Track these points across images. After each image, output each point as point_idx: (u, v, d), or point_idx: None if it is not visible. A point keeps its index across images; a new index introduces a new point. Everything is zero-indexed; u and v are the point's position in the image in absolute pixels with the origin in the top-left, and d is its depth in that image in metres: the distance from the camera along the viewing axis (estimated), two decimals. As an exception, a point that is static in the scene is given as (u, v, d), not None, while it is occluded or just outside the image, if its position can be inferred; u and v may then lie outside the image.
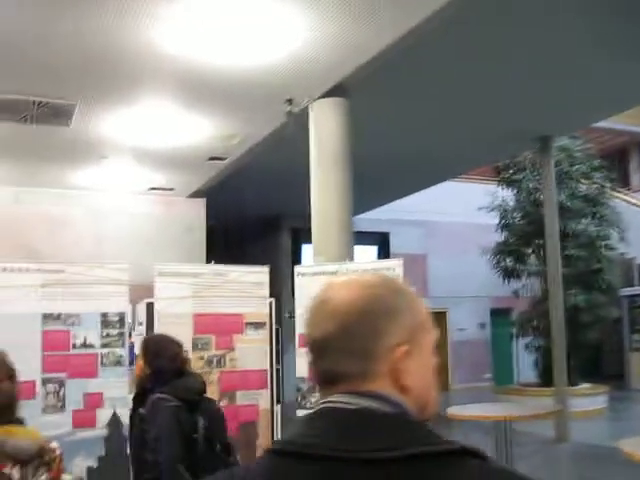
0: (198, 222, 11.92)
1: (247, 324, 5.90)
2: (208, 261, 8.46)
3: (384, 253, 15.89)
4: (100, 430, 5.32)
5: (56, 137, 8.14)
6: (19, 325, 5.10)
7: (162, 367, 3.89)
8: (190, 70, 6.29)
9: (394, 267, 5.82)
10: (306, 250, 14.09)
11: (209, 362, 5.75)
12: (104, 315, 5.41)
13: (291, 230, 15.80)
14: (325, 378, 1.16)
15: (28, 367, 5.04)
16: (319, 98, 6.98)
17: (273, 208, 14.50)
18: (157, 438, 3.64)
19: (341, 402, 1.11)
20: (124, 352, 5.52)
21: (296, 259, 14.28)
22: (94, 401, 5.33)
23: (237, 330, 5.85)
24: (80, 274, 5.35)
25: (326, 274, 5.97)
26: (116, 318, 5.44)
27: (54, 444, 2.23)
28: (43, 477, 2.09)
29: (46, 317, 5.24)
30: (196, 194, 11.70)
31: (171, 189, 11.26)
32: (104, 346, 5.40)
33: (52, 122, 7.45)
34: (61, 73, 6.31)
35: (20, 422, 2.24)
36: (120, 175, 10.18)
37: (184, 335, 5.58)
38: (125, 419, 4.51)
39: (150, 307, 5.80)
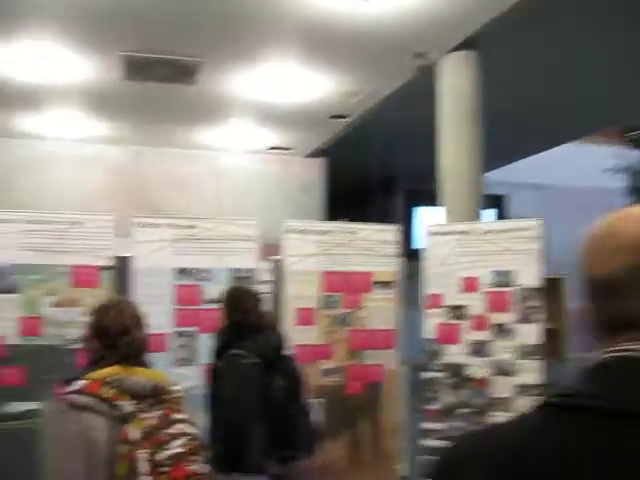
0: (316, 182, 11.87)
1: (375, 283, 5.77)
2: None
3: (501, 217, 15.41)
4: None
5: (180, 96, 8.20)
6: (153, 279, 5.16)
7: (239, 320, 3.83)
8: (316, 22, 6.15)
9: (531, 227, 5.56)
10: (421, 212, 13.87)
11: (337, 320, 5.67)
12: (234, 271, 5.40)
13: (406, 192, 15.53)
14: (611, 323, 0.98)
15: (161, 320, 5.13)
16: (450, 52, 6.71)
17: (388, 169, 14.25)
18: (232, 396, 3.57)
19: (634, 350, 0.94)
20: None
21: (409, 221, 14.04)
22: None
23: (365, 289, 5.73)
24: (210, 230, 5.36)
25: (455, 233, 5.78)
26: (245, 274, 5.43)
27: (175, 386, 2.42)
28: (157, 412, 2.27)
29: (178, 272, 5.28)
30: (315, 154, 11.63)
31: (290, 149, 11.23)
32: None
33: (177, 81, 7.50)
34: (188, 30, 6.31)
35: (145, 366, 2.44)
36: (241, 135, 10.21)
37: (311, 293, 5.55)
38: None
39: (277, 264, 5.75)
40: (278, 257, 5.66)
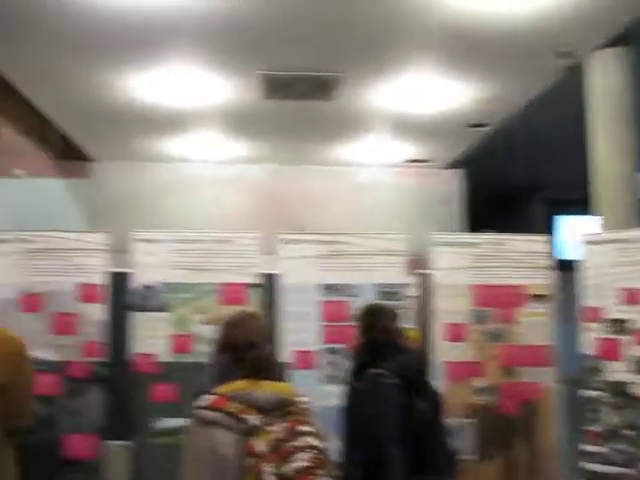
0: (455, 194, 11.57)
1: (529, 296, 5.48)
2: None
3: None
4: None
5: (318, 112, 8.23)
6: (299, 296, 5.13)
7: (375, 339, 3.68)
8: (454, 29, 5.99)
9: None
10: (567, 221, 13.27)
11: (489, 336, 5.42)
12: (381, 286, 5.28)
13: (549, 200, 14.96)
14: None
15: (308, 337, 5.09)
16: (598, 49, 6.34)
17: (531, 177, 13.77)
18: (372, 417, 3.43)
19: None
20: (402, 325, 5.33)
21: (549, 231, 13.46)
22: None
23: (519, 302, 5.45)
24: (357, 245, 5.27)
25: (614, 242, 5.41)
26: (393, 289, 5.29)
27: (302, 398, 2.41)
28: (282, 426, 2.27)
29: (325, 288, 5.22)
30: (453, 165, 11.38)
31: (427, 161, 11.04)
32: (381, 318, 5.27)
33: (316, 97, 7.51)
34: (326, 46, 6.30)
35: (273, 379, 2.44)
36: (378, 148, 10.14)
37: (461, 307, 5.34)
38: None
39: (424, 278, 5.58)
40: (425, 271, 5.49)
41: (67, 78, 7.40)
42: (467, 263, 5.42)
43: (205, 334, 4.92)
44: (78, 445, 4.84)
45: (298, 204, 11.01)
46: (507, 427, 5.37)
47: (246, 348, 2.46)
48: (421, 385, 3.64)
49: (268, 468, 2.19)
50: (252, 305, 4.99)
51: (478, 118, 8.75)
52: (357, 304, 5.13)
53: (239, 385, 2.37)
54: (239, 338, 2.49)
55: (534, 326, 5.44)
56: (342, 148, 10.22)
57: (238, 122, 8.74)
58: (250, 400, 2.32)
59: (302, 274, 5.16)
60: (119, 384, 4.92)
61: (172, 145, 10.15)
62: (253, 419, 2.27)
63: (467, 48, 6.50)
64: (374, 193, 11.35)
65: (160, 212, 10.62)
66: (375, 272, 5.28)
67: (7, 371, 2.73)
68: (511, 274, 5.47)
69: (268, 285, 5.12)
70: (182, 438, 4.42)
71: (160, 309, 4.99)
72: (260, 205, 11.05)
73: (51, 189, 11.21)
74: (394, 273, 5.30)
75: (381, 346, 3.66)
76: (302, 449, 2.25)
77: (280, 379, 2.53)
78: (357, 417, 3.61)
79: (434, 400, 3.69)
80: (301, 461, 2.22)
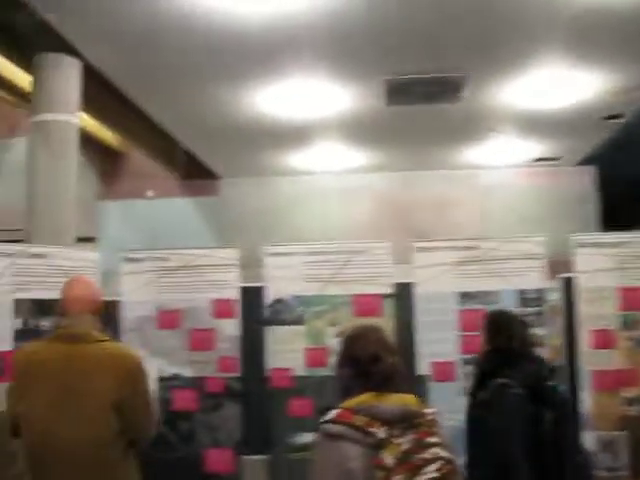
0: (588, 191, 11.05)
1: (685, 299, 5.05)
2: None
3: None
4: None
5: (443, 115, 8.02)
6: (435, 305, 4.94)
7: (500, 347, 3.50)
8: (583, 15, 5.60)
9: None
10: None
11: (638, 342, 5.03)
12: (521, 292, 5.01)
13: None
14: None
15: (446, 347, 4.89)
16: None
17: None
18: (498, 429, 3.27)
19: None
20: (543, 332, 5.05)
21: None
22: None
23: (671, 305, 5.04)
24: (494, 250, 5.03)
25: None
26: (533, 295, 5.02)
27: (429, 410, 2.38)
28: (409, 437, 2.24)
29: (461, 296, 5.01)
30: (583, 162, 10.85)
31: (557, 158, 10.56)
32: (527, 326, 5.00)
33: (440, 99, 7.30)
34: (450, 45, 6.09)
35: (398, 391, 2.39)
36: (505, 149, 9.80)
37: (607, 311, 4.99)
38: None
39: (566, 282, 5.26)
40: (568, 274, 5.17)
41: (192, 97, 7.54)
42: (612, 264, 5.06)
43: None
44: (216, 460, 4.86)
45: (423, 211, 10.86)
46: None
47: (368, 361, 2.43)
48: (548, 395, 3.41)
49: None
50: (386, 316, 4.86)
51: (611, 110, 8.23)
52: (496, 312, 4.94)
53: (364, 398, 2.36)
54: (360, 351, 2.46)
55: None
56: (467, 151, 9.95)
57: (360, 131, 8.65)
58: (376, 413, 2.30)
59: (437, 282, 4.97)
60: (254, 399, 4.90)
61: (296, 158, 10.21)
62: (380, 432, 2.25)
63: (596, 37, 6.11)
64: (502, 196, 11.04)
65: (287, 225, 10.74)
66: (514, 277, 5.02)
67: (123, 387, 2.83)
68: (663, 275, 5.07)
69: (402, 295, 4.96)
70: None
71: (294, 322, 4.94)
72: (385, 213, 11.01)
73: (180, 208, 11.55)
74: (534, 278, 5.03)
75: (506, 354, 3.49)
76: (431, 461, 2.22)
77: (406, 391, 2.47)
78: (480, 429, 3.46)
79: (563, 411, 3.45)
80: (431, 473, 2.19)
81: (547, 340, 4.92)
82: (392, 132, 8.78)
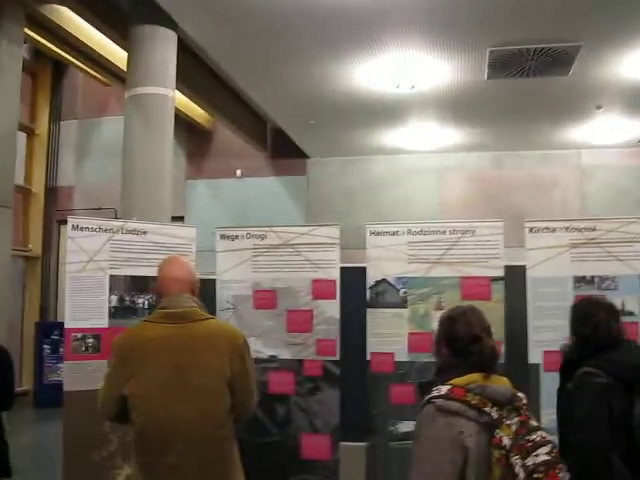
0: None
1: None
2: None
3: None
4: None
5: (548, 90, 7.58)
6: (548, 289, 4.62)
7: (586, 335, 3.22)
8: None
9: None
10: None
11: None
12: (643, 277, 4.62)
13: None
14: None
15: (559, 336, 4.52)
16: None
17: None
18: (581, 420, 3.03)
19: None
20: (667, 320, 4.66)
21: None
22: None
23: None
24: (613, 231, 4.66)
25: None
26: (658, 280, 4.63)
27: (521, 394, 2.41)
28: (515, 419, 2.29)
29: (577, 280, 4.66)
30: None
31: (664, 138, 9.95)
32: (646, 313, 4.62)
33: (549, 72, 6.87)
34: (569, 11, 5.63)
35: (497, 374, 2.44)
36: (609, 128, 9.28)
37: None
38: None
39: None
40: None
41: (285, 71, 7.36)
42: None
43: (445, 332, 4.60)
44: (313, 445, 4.70)
45: (519, 191, 10.48)
46: None
47: (468, 342, 2.46)
48: None
49: (516, 461, 2.20)
50: (495, 300, 4.57)
51: None
52: (616, 298, 4.58)
53: (473, 378, 2.38)
54: (461, 333, 2.49)
55: None
56: (568, 130, 9.47)
57: (457, 107, 8.30)
58: (489, 393, 2.33)
59: (550, 266, 4.64)
60: (354, 384, 4.70)
61: (389, 137, 9.99)
62: (493, 412, 2.29)
63: None
64: (601, 176, 10.52)
65: (378, 205, 10.50)
66: (634, 261, 4.64)
67: (234, 364, 2.84)
68: None
69: (513, 278, 4.65)
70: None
71: (397, 305, 4.70)
72: (479, 194, 10.67)
73: (269, 187, 11.46)
74: (658, 262, 4.63)
75: (592, 343, 3.22)
76: (540, 444, 2.24)
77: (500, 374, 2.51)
78: (566, 421, 3.25)
79: None
80: (543, 455, 2.21)
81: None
82: (490, 108, 8.38)
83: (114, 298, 4.66)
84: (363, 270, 4.77)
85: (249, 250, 4.96)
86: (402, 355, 4.63)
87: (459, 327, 2.49)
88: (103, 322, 4.56)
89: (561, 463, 2.25)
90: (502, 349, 4.41)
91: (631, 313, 4.64)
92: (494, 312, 4.50)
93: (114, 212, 9.55)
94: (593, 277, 4.66)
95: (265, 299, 4.87)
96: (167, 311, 2.89)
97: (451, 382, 2.37)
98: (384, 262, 4.76)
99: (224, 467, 2.86)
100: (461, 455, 2.25)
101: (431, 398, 2.37)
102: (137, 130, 6.37)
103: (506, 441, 2.23)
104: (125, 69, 6.73)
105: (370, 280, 4.75)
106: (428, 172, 10.96)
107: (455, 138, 9.96)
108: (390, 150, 10.63)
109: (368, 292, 4.73)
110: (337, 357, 4.68)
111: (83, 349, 4.50)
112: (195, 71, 8.05)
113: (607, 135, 9.70)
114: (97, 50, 7.68)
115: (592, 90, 7.52)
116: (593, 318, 3.29)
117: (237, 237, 5.02)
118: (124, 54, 6.87)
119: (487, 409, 2.28)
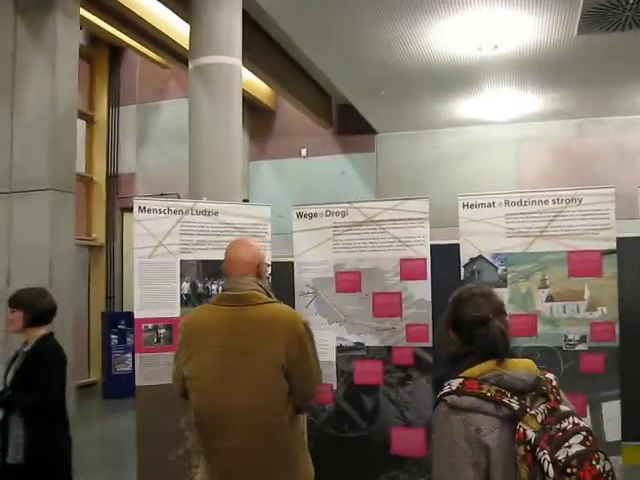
0: None
1: None
2: None
3: None
4: None
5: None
6: None
7: None
8: None
9: None
10: None
11: None
12: None
13: None
14: None
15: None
16: None
17: None
18: None
19: None
20: None
21: None
22: None
23: None
24: None
25: None
26: None
27: (550, 375, 2.17)
28: (542, 407, 2.06)
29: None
30: None
31: None
32: None
33: (644, 26, 6.29)
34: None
35: (513, 356, 2.21)
36: None
37: None
38: None
39: None
40: None
41: (351, 38, 6.94)
42: None
43: (550, 313, 4.14)
44: (404, 440, 4.31)
45: (602, 160, 9.92)
46: None
47: (474, 326, 2.22)
48: None
49: (543, 456, 1.93)
50: (607, 276, 4.09)
51: None
52: None
53: (487, 366, 2.14)
54: (466, 316, 2.26)
55: None
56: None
57: (541, 68, 7.73)
58: (506, 382, 2.10)
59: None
60: (448, 372, 4.27)
61: (463, 107, 9.52)
62: (513, 403, 2.05)
63: None
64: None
65: (452, 182, 10.09)
66: None
67: (291, 350, 2.75)
68: None
69: (627, 251, 4.24)
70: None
71: (495, 284, 4.22)
72: (561, 165, 10.17)
73: (335, 166, 11.14)
74: None
75: None
76: (572, 432, 2.00)
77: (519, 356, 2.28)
78: None
79: None
80: (576, 446, 1.97)
81: None
82: (578, 69, 7.77)
83: (186, 285, 4.38)
84: (456, 247, 4.33)
85: (329, 229, 4.58)
86: (511, 339, 4.21)
87: (465, 310, 2.27)
88: (175, 311, 4.28)
89: (598, 451, 1.98)
90: (616, 330, 4.05)
91: None
92: (606, 289, 4.12)
93: (177, 198, 9.32)
94: None
95: (349, 281, 4.50)
96: (226, 294, 2.88)
97: (463, 374, 2.15)
98: (480, 237, 4.30)
99: (282, 455, 2.79)
100: (483, 456, 2.03)
101: (442, 395, 2.15)
102: (203, 104, 5.98)
103: (531, 434, 1.99)
104: (186, 47, 6.39)
105: (464, 258, 4.30)
106: (504, 144, 10.47)
107: (534, 106, 9.44)
108: (462, 121, 10.17)
109: (462, 271, 4.29)
110: (429, 343, 4.27)
111: (155, 340, 4.25)
112: (258, 43, 7.68)
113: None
114: (156, 27, 7.36)
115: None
116: None
117: (315, 215, 4.65)
118: (184, 31, 6.53)
119: (506, 400, 2.06)
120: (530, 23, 6.40)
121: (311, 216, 4.66)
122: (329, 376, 4.38)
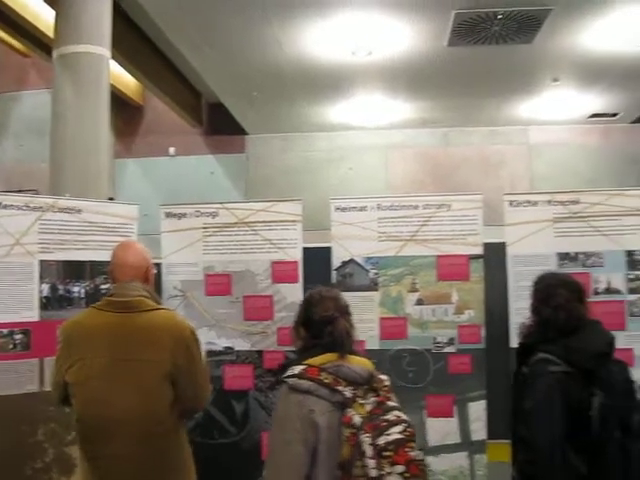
0: (643, 151, 10.35)
1: None
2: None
3: None
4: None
5: (508, 60, 7.23)
6: (531, 268, 4.23)
7: (547, 318, 2.97)
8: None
9: None
10: None
11: None
12: (629, 254, 4.31)
13: None
14: None
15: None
16: None
17: None
18: (530, 411, 2.84)
19: None
20: (655, 299, 4.36)
21: None
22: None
23: None
24: (599, 204, 4.32)
25: None
26: (645, 256, 4.32)
27: (383, 376, 2.52)
28: (371, 399, 2.40)
29: (561, 257, 4.31)
30: (640, 119, 10.13)
31: (614, 115, 9.79)
32: (632, 292, 4.31)
33: (513, 39, 6.53)
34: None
35: (355, 353, 2.55)
36: (562, 103, 9.09)
37: None
38: None
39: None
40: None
41: (223, 35, 6.78)
42: None
43: (420, 316, 4.20)
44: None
45: (467, 168, 10.30)
46: None
47: (324, 323, 2.54)
48: (605, 376, 2.85)
49: (365, 439, 2.27)
50: (474, 280, 4.20)
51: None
52: (602, 276, 4.28)
53: (328, 357, 2.47)
54: (316, 314, 2.58)
55: None
56: (520, 104, 9.25)
57: (410, 77, 7.89)
58: (343, 373, 2.43)
59: (532, 242, 4.30)
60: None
61: (333, 111, 9.59)
62: (346, 391, 2.38)
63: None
64: (550, 153, 10.41)
65: (322, 186, 10.14)
66: (621, 236, 4.32)
67: (177, 358, 2.77)
68: None
69: (492, 256, 4.29)
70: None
71: (366, 288, 4.31)
72: (426, 172, 10.44)
73: (204, 166, 10.94)
74: (645, 237, 4.32)
75: (552, 326, 2.95)
76: (395, 423, 2.32)
77: (360, 355, 2.60)
78: (518, 410, 3.02)
79: (617, 392, 2.86)
80: (395, 434, 2.29)
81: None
82: (444, 79, 7.98)
83: (45, 287, 4.11)
84: (328, 250, 4.33)
85: (199, 230, 4.47)
86: (373, 343, 4.24)
87: (315, 310, 2.59)
88: (33, 315, 4.02)
89: (413, 441, 2.32)
90: (482, 332, 4.19)
91: (617, 291, 4.35)
92: (473, 293, 4.25)
93: (37, 194, 8.83)
94: (577, 254, 4.34)
95: (219, 284, 4.42)
96: (111, 299, 2.84)
97: (307, 362, 2.46)
98: (351, 240, 4.33)
99: (166, 463, 2.80)
100: (313, 433, 2.34)
101: (285, 377, 2.45)
102: (68, 95, 5.62)
103: (356, 419, 2.32)
104: (50, 35, 6.03)
105: (336, 261, 4.33)
106: (374, 150, 10.64)
107: (404, 113, 9.61)
108: (337, 126, 10.28)
109: (334, 274, 4.31)
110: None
111: (10, 347, 3.94)
112: (127, 34, 7.37)
113: (557, 111, 9.53)
114: (17, 11, 6.91)
115: (552, 61, 7.25)
116: (555, 298, 3.00)
117: (185, 215, 4.54)
118: (49, 18, 6.17)
119: (340, 388, 2.37)
120: (404, 31, 6.50)
121: (180, 216, 4.54)
122: (197, 382, 4.26)
